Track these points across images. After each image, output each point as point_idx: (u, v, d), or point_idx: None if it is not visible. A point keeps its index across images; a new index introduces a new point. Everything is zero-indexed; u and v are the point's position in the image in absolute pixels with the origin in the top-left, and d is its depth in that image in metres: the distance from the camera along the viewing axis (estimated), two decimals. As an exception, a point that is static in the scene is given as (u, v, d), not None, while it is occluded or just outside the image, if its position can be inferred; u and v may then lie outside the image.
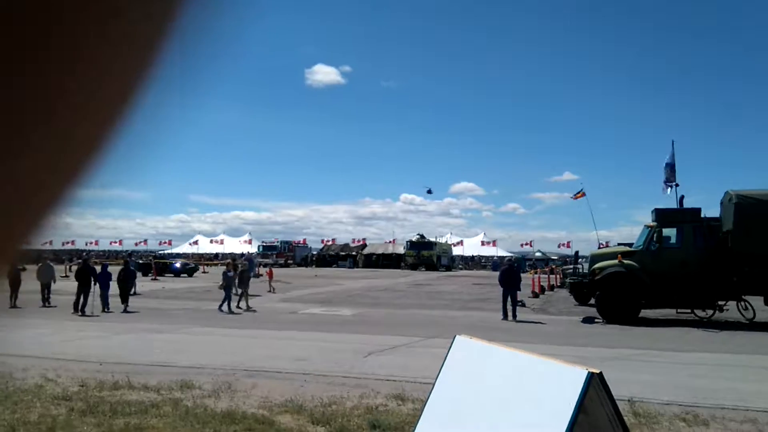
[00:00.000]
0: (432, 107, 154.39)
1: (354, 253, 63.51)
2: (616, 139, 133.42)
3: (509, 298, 16.43)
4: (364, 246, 65.92)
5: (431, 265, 53.89)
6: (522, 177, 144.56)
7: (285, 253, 59.14)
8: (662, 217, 16.62)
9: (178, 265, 39.23)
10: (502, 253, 69.70)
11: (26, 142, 0.38)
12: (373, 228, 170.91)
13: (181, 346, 10.84)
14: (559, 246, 65.17)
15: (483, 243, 72.81)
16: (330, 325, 14.69)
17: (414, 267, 53.79)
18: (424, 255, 54.63)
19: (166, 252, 67.86)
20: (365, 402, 6.51)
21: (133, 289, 19.11)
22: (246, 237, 77.04)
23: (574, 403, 2.69)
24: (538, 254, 67.20)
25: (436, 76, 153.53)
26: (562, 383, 2.84)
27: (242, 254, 56.75)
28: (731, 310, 16.14)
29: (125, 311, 17.05)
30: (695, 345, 12.09)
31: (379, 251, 63.00)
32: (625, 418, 6.28)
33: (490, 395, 3.20)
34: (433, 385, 3.68)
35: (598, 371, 2.81)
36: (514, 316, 16.33)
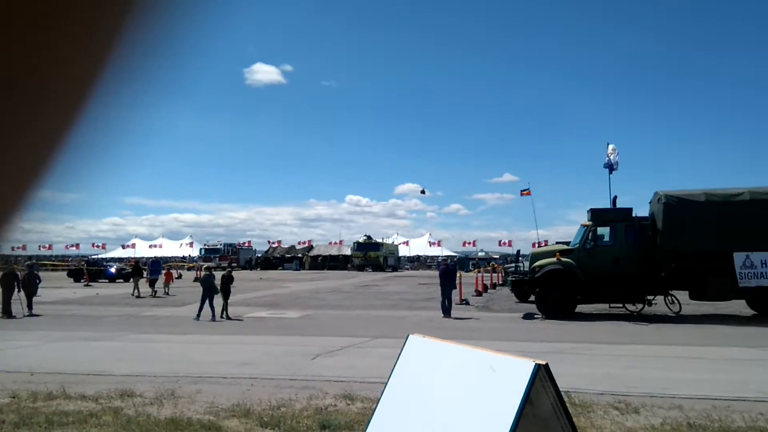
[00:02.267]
0: (374, 108, 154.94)
1: (300, 255, 63.12)
2: (552, 141, 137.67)
3: (447, 297, 16.98)
4: (311, 248, 65.56)
5: (378, 266, 54.23)
6: (464, 178, 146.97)
7: (229, 256, 58.04)
8: (597, 216, 17.33)
9: (113, 269, 37.59)
10: (447, 253, 70.78)
11: None
12: (318, 230, 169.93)
13: (119, 354, 10.49)
14: (500, 245, 66.73)
15: (430, 243, 73.72)
16: (276, 328, 14.58)
17: (361, 268, 53.98)
18: (371, 256, 54.95)
19: (100, 257, 65.12)
20: (314, 403, 6.53)
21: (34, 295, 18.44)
22: (187, 240, 75.06)
23: (522, 395, 2.81)
24: (481, 254, 68.68)
25: (377, 77, 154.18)
26: (510, 376, 2.95)
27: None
28: (659, 304, 17.07)
29: (30, 315, 16.91)
30: (627, 338, 12.70)
31: (326, 253, 62.81)
32: (564, 409, 6.63)
33: (442, 391, 3.28)
34: (386, 383, 3.74)
35: (544, 362, 2.95)
36: (450, 313, 16.90)
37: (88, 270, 35.89)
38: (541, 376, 2.91)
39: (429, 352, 3.61)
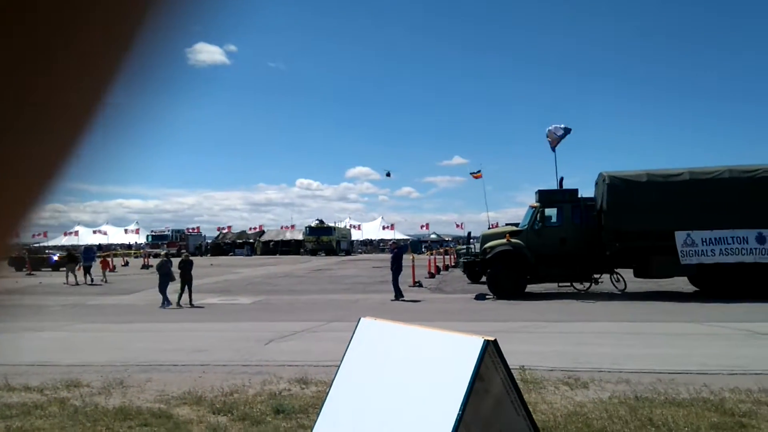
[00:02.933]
0: (323, 91, 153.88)
1: (251, 240, 62.06)
2: (500, 124, 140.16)
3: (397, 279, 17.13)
4: (262, 233, 64.57)
5: (331, 250, 53.99)
6: (414, 161, 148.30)
7: (177, 243, 56.43)
8: (544, 197, 17.66)
9: (56, 257, 36.07)
10: (400, 236, 71.26)
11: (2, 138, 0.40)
12: (269, 214, 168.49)
13: (64, 344, 10.08)
14: (456, 227, 67.70)
15: (384, 227, 73.93)
16: (229, 314, 14.31)
17: (314, 252, 53.64)
18: (323, 240, 54.61)
19: (42, 245, 62.33)
20: (268, 388, 6.42)
21: None
22: (133, 226, 72.67)
23: (471, 371, 2.85)
24: (433, 236, 69.49)
25: (325, 60, 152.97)
26: (460, 352, 2.98)
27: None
28: (605, 282, 17.64)
29: None
30: (575, 315, 13.07)
31: (278, 238, 61.97)
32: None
33: (394, 371, 3.31)
34: (339, 366, 3.73)
35: (492, 339, 2.97)
36: (398, 295, 17.05)
37: (30, 258, 34.30)
38: (491, 352, 2.94)
39: (380, 334, 3.62)
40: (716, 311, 13.10)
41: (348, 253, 58.04)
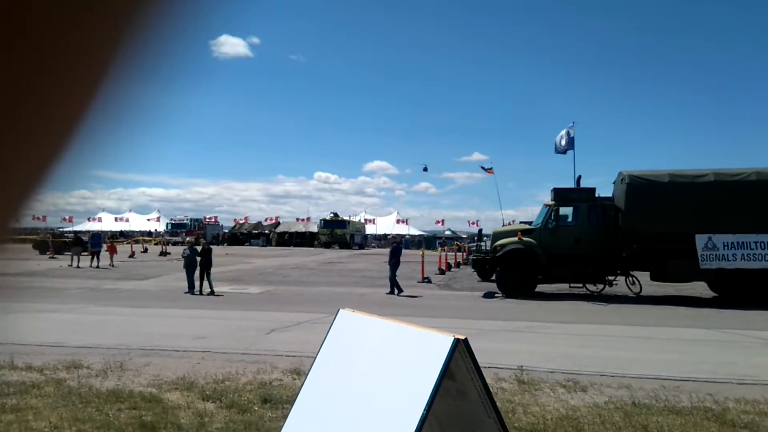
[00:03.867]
0: (343, 84, 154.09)
1: (267, 231, 62.39)
2: (522, 122, 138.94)
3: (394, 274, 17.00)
4: (278, 224, 64.86)
5: (344, 244, 54.05)
6: (433, 156, 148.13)
7: (195, 231, 57.04)
8: (560, 196, 17.32)
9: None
10: (414, 231, 71.12)
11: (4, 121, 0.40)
12: (287, 206, 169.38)
13: (75, 326, 10.22)
14: (469, 224, 67.26)
15: (398, 221, 73.74)
16: (236, 303, 14.36)
17: (327, 245, 53.73)
18: (337, 233, 54.64)
19: (66, 230, 63.46)
20: (260, 377, 6.41)
21: None
22: (155, 214, 73.61)
23: (440, 368, 2.80)
24: (448, 232, 69.18)
25: (346, 53, 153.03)
26: (430, 350, 2.93)
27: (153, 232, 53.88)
28: (620, 285, 17.30)
29: None
30: (584, 317, 12.82)
31: (293, 230, 62.23)
32: (511, 385, 6.63)
33: (367, 364, 3.29)
34: (315, 358, 3.72)
35: (463, 337, 2.89)
36: (398, 290, 16.86)
37: (54, 242, 34.97)
38: (461, 351, 2.85)
39: (357, 327, 3.58)
40: (734, 318, 12.74)
41: (361, 246, 58.05)
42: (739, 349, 9.34)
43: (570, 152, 22.22)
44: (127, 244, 45.15)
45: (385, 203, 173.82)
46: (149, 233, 66.66)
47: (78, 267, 24.50)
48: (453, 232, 71.69)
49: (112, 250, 27.49)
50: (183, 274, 16.32)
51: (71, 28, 0.40)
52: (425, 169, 57.75)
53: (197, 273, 16.12)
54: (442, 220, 71.79)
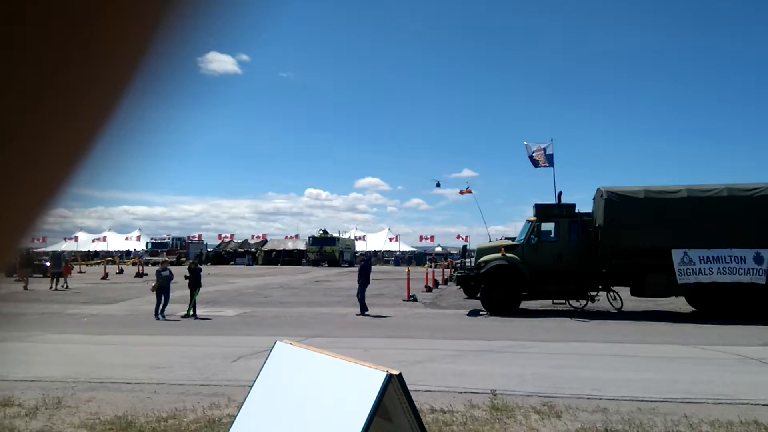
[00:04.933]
0: (334, 101, 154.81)
1: (254, 249, 61.63)
2: (509, 138, 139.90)
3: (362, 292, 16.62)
4: (265, 242, 64.06)
5: (334, 261, 53.53)
6: (424, 173, 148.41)
7: (177, 250, 55.97)
8: (541, 212, 17.28)
9: (48, 264, 35.94)
10: (404, 248, 70.82)
11: (14, 142, 0.41)
12: (277, 223, 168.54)
13: (23, 357, 9.67)
14: (458, 238, 66.99)
15: (390, 239, 73.36)
16: (207, 327, 13.90)
17: (316, 263, 53.22)
18: (326, 251, 54.17)
19: (40, 250, 62.05)
20: (211, 413, 5.97)
21: None
22: (135, 233, 72.28)
23: (371, 404, 2.66)
24: (438, 249, 68.94)
25: (336, 70, 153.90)
26: (362, 385, 2.80)
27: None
28: (602, 300, 17.13)
29: None
30: (566, 335, 12.59)
31: (281, 247, 61.50)
32: (483, 413, 6.31)
33: (300, 399, 3.16)
34: (250, 389, 3.58)
35: (397, 372, 2.68)
36: (362, 309, 16.43)
37: (21, 263, 34.04)
38: (395, 386, 2.64)
39: (293, 360, 3.46)
40: (711, 333, 12.61)
41: (351, 264, 57.60)
42: (714, 366, 9.15)
43: (558, 168, 22.13)
44: (99, 264, 44.06)
45: (377, 219, 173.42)
46: (128, 253, 65.16)
47: (25, 289, 23.70)
48: (443, 248, 71.45)
49: (67, 271, 26.64)
50: (154, 296, 15.63)
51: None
52: (438, 185, 57.70)
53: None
54: (431, 236, 71.56)
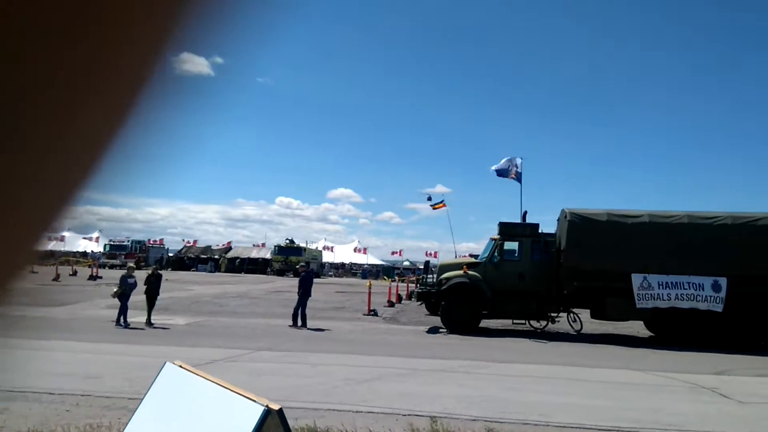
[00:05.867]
0: (309, 110, 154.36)
1: (217, 256, 60.37)
2: (481, 156, 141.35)
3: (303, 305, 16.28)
4: (229, 249, 62.68)
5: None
6: (397, 186, 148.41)
7: (136, 254, 54.28)
8: (505, 230, 17.16)
9: None
10: (373, 260, 70.41)
11: (30, 144, 0.41)
12: (245, 230, 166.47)
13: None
14: (426, 254, 66.90)
15: (357, 250, 72.76)
16: (153, 336, 13.32)
17: (281, 273, 52.37)
18: (292, 260, 53.34)
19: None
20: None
21: None
22: (95, 234, 69.91)
23: None
24: (406, 263, 68.74)
25: (312, 79, 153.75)
26: (239, 418, 2.58)
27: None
28: (563, 321, 17.04)
29: None
30: (523, 356, 12.40)
31: (245, 255, 60.41)
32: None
33: (178, 428, 2.98)
34: (134, 413, 3.34)
35: (277, 407, 2.42)
36: (300, 322, 16.08)
37: None
38: (276, 423, 2.39)
39: (178, 384, 3.23)
40: (666, 359, 12.57)
41: (317, 275, 56.97)
42: (666, 394, 9.04)
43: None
44: (52, 265, 42.35)
45: (348, 231, 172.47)
46: (84, 254, 62.93)
47: None
48: (411, 262, 71.28)
49: None
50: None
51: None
52: (429, 198, 57.38)
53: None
54: (400, 251, 71.31)
